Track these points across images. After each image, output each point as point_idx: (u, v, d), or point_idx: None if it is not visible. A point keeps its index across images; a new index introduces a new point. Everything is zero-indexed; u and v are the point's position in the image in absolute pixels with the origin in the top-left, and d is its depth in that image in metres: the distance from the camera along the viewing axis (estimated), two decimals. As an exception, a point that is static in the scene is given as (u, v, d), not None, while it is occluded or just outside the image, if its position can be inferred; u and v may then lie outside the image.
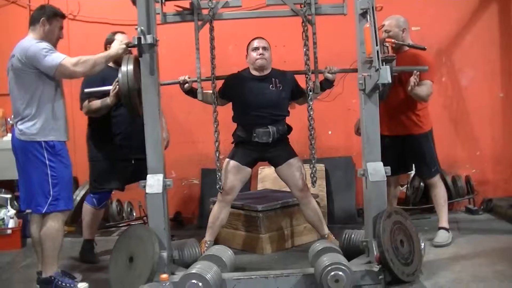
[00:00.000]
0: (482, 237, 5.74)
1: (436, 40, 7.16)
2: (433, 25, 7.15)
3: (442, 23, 7.19)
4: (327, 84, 5.17)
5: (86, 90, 5.28)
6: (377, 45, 4.05)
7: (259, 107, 5.23)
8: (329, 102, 6.80)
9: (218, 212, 5.30)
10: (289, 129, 5.42)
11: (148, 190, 4.49)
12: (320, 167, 6.83)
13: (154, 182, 4.52)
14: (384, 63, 4.09)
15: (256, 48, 5.31)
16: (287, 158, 5.33)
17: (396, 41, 5.27)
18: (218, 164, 5.01)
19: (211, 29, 4.91)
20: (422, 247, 4.71)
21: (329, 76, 5.09)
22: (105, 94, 5.27)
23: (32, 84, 4.35)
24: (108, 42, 5.66)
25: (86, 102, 5.48)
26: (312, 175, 5.03)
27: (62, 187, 4.49)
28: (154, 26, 4.52)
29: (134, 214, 7.09)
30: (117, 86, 5.02)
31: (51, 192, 4.42)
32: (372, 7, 4.24)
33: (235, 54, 6.90)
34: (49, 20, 4.51)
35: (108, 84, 5.20)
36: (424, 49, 5.28)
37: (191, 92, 5.14)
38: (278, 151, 5.34)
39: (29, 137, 4.38)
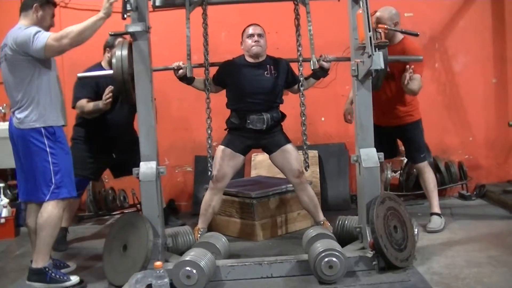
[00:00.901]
0: (475, 223, 5.75)
1: (429, 26, 7.14)
2: (426, 11, 7.13)
3: (435, 9, 7.17)
4: (321, 73, 5.16)
5: (80, 74, 5.23)
6: (370, 31, 4.04)
7: (253, 93, 5.21)
8: (322, 89, 6.80)
9: (210, 199, 5.29)
10: (283, 116, 5.40)
11: (141, 177, 4.50)
12: (314, 153, 6.84)
13: (147, 170, 4.53)
14: (377, 49, 4.09)
15: (251, 35, 5.29)
16: (281, 145, 5.32)
17: (389, 27, 5.25)
18: (209, 152, 4.99)
19: (205, 15, 4.89)
20: (416, 232, 4.73)
21: (324, 64, 5.07)
22: (99, 90, 5.30)
23: (26, 71, 4.28)
24: (108, 46, 5.66)
25: (79, 102, 5.48)
26: (304, 161, 5.04)
27: (65, 174, 4.43)
28: (146, 13, 4.51)
29: (128, 202, 7.07)
30: (110, 94, 5.00)
31: (53, 180, 4.35)
32: (365, -7, 4.22)
33: (228, 41, 6.87)
34: (42, 6, 4.41)
35: (100, 92, 5.18)
36: (417, 35, 5.26)
37: (185, 79, 5.11)
38: (272, 138, 5.32)
39: (29, 125, 4.30)
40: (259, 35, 5.29)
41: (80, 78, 5.22)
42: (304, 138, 4.99)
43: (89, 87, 5.46)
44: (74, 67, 6.88)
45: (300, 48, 4.91)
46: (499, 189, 6.83)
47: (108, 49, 5.67)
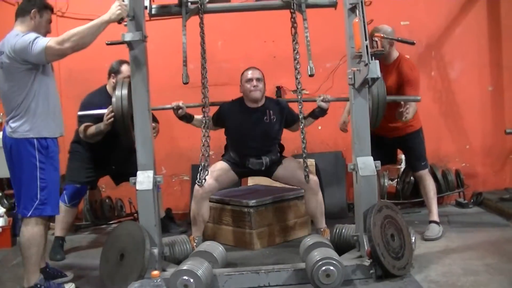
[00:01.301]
0: (472, 231, 5.75)
1: (425, 34, 7.16)
2: (422, 19, 7.15)
3: (431, 16, 7.19)
4: (320, 112, 5.25)
5: (80, 113, 5.27)
6: (366, 40, 4.05)
7: (253, 139, 5.31)
8: (319, 97, 6.81)
9: (197, 208, 5.29)
10: (282, 149, 5.58)
11: (138, 186, 4.49)
12: (311, 162, 6.82)
13: (144, 179, 4.52)
14: (373, 57, 4.09)
15: (250, 80, 5.33)
16: (279, 164, 5.43)
17: (385, 36, 5.26)
18: (206, 160, 4.98)
19: (202, 24, 4.89)
20: (413, 241, 4.73)
21: (323, 104, 5.15)
22: (99, 118, 5.23)
23: (24, 80, 4.18)
24: (113, 71, 5.65)
25: (81, 127, 5.49)
26: (304, 170, 5.06)
27: (51, 190, 4.33)
28: (142, 22, 4.51)
29: (125, 211, 7.06)
30: (112, 114, 5.00)
31: (38, 195, 4.24)
32: (361, 2, 4.22)
33: (224, 50, 6.88)
34: (40, 12, 4.32)
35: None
36: (413, 43, 5.28)
37: (185, 118, 5.19)
38: (270, 167, 5.44)
39: (22, 135, 4.21)
40: (258, 80, 5.34)
41: (80, 116, 5.29)
42: (303, 146, 4.99)
43: (93, 115, 5.44)
44: (71, 76, 6.93)
45: (297, 57, 4.92)
46: (496, 196, 6.84)
47: (113, 74, 5.68)
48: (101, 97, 5.63)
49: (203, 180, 5.02)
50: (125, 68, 5.57)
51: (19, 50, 4.11)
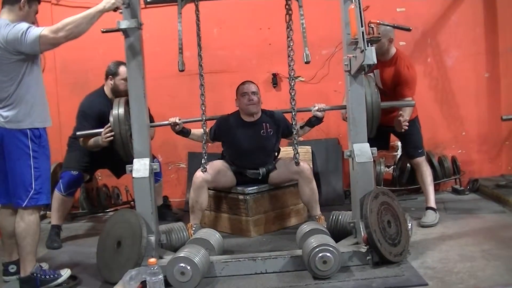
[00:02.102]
0: (469, 217, 5.76)
1: (421, 21, 7.14)
2: (418, 6, 7.13)
3: (427, 3, 7.17)
4: (316, 121, 5.26)
5: (78, 133, 5.25)
6: (362, 26, 4.03)
7: (250, 153, 5.42)
8: (315, 84, 6.82)
9: (196, 196, 5.34)
10: (277, 153, 5.68)
11: (134, 174, 4.49)
12: (307, 149, 6.84)
13: (140, 166, 4.52)
14: (369, 44, 4.08)
15: (245, 93, 5.37)
16: (274, 167, 5.55)
17: (381, 22, 5.25)
18: (205, 148, 5.01)
19: (197, 11, 4.88)
20: (409, 227, 4.74)
21: (318, 114, 5.14)
22: (101, 120, 5.25)
23: (16, 70, 4.14)
24: (111, 73, 5.63)
25: (81, 141, 5.50)
26: (294, 157, 5.16)
27: (44, 180, 4.32)
28: (138, 10, 4.49)
29: (121, 199, 7.06)
30: (111, 134, 4.97)
31: (33, 185, 4.21)
32: (357, -12, 4.22)
33: (220, 38, 6.87)
34: (29, 3, 4.26)
35: (103, 122, 5.15)
36: (409, 29, 5.28)
37: (182, 132, 5.26)
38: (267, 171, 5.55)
39: (15, 125, 4.17)
40: (253, 93, 5.40)
41: (78, 136, 5.34)
42: (294, 132, 5.01)
43: (91, 120, 5.45)
44: (66, 65, 6.91)
45: (291, 44, 4.91)
46: (492, 183, 6.85)
47: (110, 76, 5.67)
48: (100, 101, 5.65)
49: (205, 167, 5.16)
50: (122, 70, 5.55)
51: (11, 40, 4.06)
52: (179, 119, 5.13)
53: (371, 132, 4.85)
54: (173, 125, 5.15)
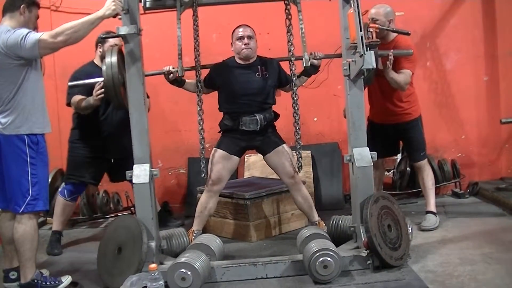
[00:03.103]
0: (469, 220, 5.76)
1: (420, 24, 7.15)
2: (417, 10, 7.14)
3: (426, 7, 7.19)
4: (312, 70, 5.17)
5: (70, 83, 5.25)
6: (361, 31, 4.04)
7: (245, 95, 5.22)
8: (315, 89, 6.82)
9: (206, 202, 5.28)
10: (276, 116, 5.42)
11: (135, 180, 4.49)
12: (307, 153, 6.84)
13: (140, 172, 4.52)
14: (368, 48, 4.09)
15: (241, 38, 5.27)
16: (275, 146, 5.33)
17: (380, 26, 5.26)
18: (203, 153, 5.01)
19: (195, 17, 4.89)
20: (410, 231, 4.74)
21: (314, 62, 5.08)
22: (90, 88, 5.23)
23: (15, 75, 4.16)
24: (100, 41, 5.64)
25: (73, 98, 5.46)
26: (297, 161, 5.09)
27: (42, 186, 4.32)
28: (137, 16, 4.50)
29: (122, 204, 7.06)
30: (101, 90, 4.99)
31: (30, 191, 4.23)
32: (356, -7, 4.23)
33: (219, 43, 6.87)
34: (29, 8, 4.29)
35: (94, 88, 5.16)
36: (408, 34, 5.27)
37: (176, 81, 5.12)
38: (265, 139, 5.33)
39: (14, 131, 4.18)
40: (249, 37, 5.28)
41: (71, 86, 5.26)
42: (298, 137, 5.02)
43: (82, 87, 5.41)
44: (65, 71, 6.88)
45: (292, 48, 4.92)
46: (492, 186, 6.85)
47: (100, 44, 5.65)
48: (90, 67, 5.63)
49: (205, 175, 5.15)
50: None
51: (11, 45, 4.08)
52: (173, 68, 5.04)
53: (368, 81, 4.91)
54: (167, 73, 5.07)
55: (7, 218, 4.45)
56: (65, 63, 6.79)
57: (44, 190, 4.36)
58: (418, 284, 4.03)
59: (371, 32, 4.92)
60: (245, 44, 5.25)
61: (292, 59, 4.99)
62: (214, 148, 5.31)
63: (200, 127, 5.00)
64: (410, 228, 4.76)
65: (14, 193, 4.25)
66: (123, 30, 4.42)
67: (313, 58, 5.07)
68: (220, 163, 5.23)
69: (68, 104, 5.58)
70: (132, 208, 6.62)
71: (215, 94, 5.38)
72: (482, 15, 7.24)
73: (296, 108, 5.01)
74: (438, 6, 7.22)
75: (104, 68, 4.55)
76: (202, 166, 5.07)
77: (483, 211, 6.19)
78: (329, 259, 4.09)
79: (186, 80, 5.19)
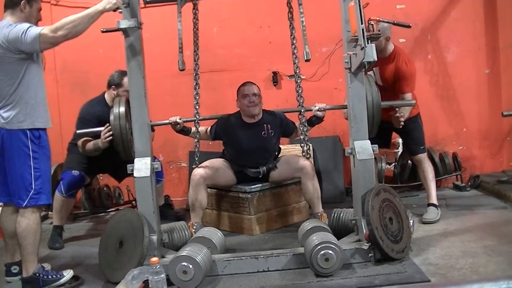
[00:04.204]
0: (470, 213, 5.76)
1: (421, 17, 7.14)
2: (417, 3, 7.13)
3: (427, 0, 7.17)
4: (316, 121, 5.31)
5: (78, 131, 5.24)
6: (362, 23, 4.03)
7: (251, 153, 5.40)
8: (316, 82, 6.82)
9: (195, 194, 5.29)
10: (279, 152, 5.65)
11: (136, 174, 4.49)
12: (308, 146, 6.82)
13: (141, 166, 4.52)
14: (369, 41, 4.08)
15: (247, 95, 5.35)
16: (276, 167, 5.53)
17: (381, 19, 5.25)
18: (197, 145, 5.04)
19: (195, 10, 4.89)
20: (411, 224, 4.73)
21: (319, 113, 5.18)
22: (98, 135, 5.24)
23: (16, 69, 4.15)
24: (114, 83, 5.62)
25: (79, 142, 5.49)
26: (307, 152, 5.23)
27: (45, 180, 4.32)
28: (138, 9, 4.49)
29: (123, 198, 7.06)
30: (110, 133, 4.98)
31: (33, 185, 4.23)
32: (357, -14, 4.22)
33: (220, 37, 6.87)
34: (30, 3, 4.28)
35: (103, 125, 5.16)
36: (409, 26, 5.28)
37: (183, 131, 5.26)
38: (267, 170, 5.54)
39: (16, 125, 4.18)
40: (254, 95, 5.37)
41: (78, 135, 5.33)
42: (304, 129, 5.03)
43: (91, 125, 5.36)
44: (66, 65, 6.91)
45: (294, 41, 4.92)
46: (493, 179, 6.85)
47: (113, 86, 5.65)
48: (100, 108, 5.62)
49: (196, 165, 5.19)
50: (126, 82, 5.44)
51: (12, 39, 4.08)
52: (180, 118, 5.13)
53: (372, 132, 4.84)
54: (174, 124, 5.15)
55: (10, 212, 4.46)
56: (66, 57, 6.79)
57: (47, 184, 4.36)
58: (419, 276, 4.02)
59: (372, 24, 4.91)
60: (250, 102, 5.34)
61: (302, 110, 5.05)
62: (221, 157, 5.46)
63: (196, 130, 5.02)
64: (411, 221, 4.76)
65: (17, 187, 4.25)
66: (124, 24, 4.40)
67: (318, 110, 5.18)
68: (218, 162, 5.38)
69: (74, 142, 5.65)
70: (134, 202, 6.61)
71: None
72: (483, 8, 7.22)
73: (301, 101, 5.03)
74: (438, -2, 7.22)
75: (112, 118, 4.63)
76: (196, 158, 5.12)
77: (484, 204, 6.18)
78: (330, 252, 4.09)
79: (193, 129, 5.26)
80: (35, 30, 4.08)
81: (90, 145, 5.42)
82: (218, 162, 5.46)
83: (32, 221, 4.26)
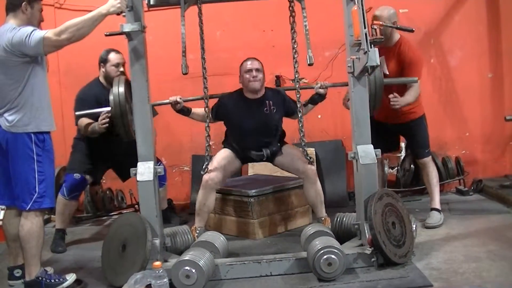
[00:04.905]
0: (473, 218, 5.75)
1: (424, 21, 7.15)
2: (420, 7, 7.13)
3: (430, 4, 7.18)
4: (319, 98, 5.27)
5: (77, 113, 5.25)
6: (365, 28, 4.03)
7: (254, 132, 5.31)
8: (319, 86, 6.81)
9: (204, 199, 5.26)
10: (283, 136, 5.58)
11: (139, 177, 4.49)
12: (311, 151, 6.82)
13: (144, 170, 4.52)
14: (372, 45, 4.08)
15: (249, 71, 5.31)
16: (280, 152, 5.41)
17: (384, 24, 5.25)
18: (208, 150, 5.03)
19: (200, 13, 4.89)
20: (414, 228, 4.73)
21: (321, 91, 5.15)
22: (97, 116, 5.26)
23: (20, 72, 4.16)
24: (102, 61, 5.65)
25: (80, 122, 5.50)
26: (306, 156, 5.19)
27: (48, 183, 4.33)
28: (141, 13, 4.50)
29: (126, 202, 7.06)
30: (106, 120, 5.00)
31: (36, 189, 4.23)
32: (360, -10, 4.22)
33: (223, 40, 6.88)
34: (31, 4, 4.28)
35: (100, 106, 5.17)
36: (412, 31, 5.26)
37: (182, 111, 5.22)
38: (271, 155, 5.44)
39: (21, 129, 4.18)
40: (257, 70, 5.32)
41: (78, 116, 5.29)
42: (302, 134, 5.03)
43: (89, 106, 5.39)
44: (69, 68, 6.92)
45: (295, 46, 4.92)
46: (496, 183, 6.85)
47: (102, 64, 5.68)
48: (97, 89, 5.65)
49: (206, 169, 5.11)
50: (112, 56, 5.60)
51: (16, 43, 4.08)
52: (180, 98, 5.12)
53: (374, 108, 4.89)
54: (174, 104, 5.13)
55: (13, 215, 4.46)
56: (69, 59, 6.80)
57: (51, 187, 4.37)
58: (422, 281, 4.03)
59: (375, 29, 4.91)
60: (253, 77, 5.30)
61: (297, 85, 5.00)
62: (223, 147, 5.36)
63: (207, 134, 5.00)
64: (414, 226, 4.76)
65: (20, 191, 4.25)
66: (127, 27, 4.41)
67: (320, 88, 5.15)
68: (223, 160, 5.27)
69: (77, 125, 5.64)
70: (136, 206, 6.61)
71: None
72: (486, 12, 7.23)
73: (302, 135, 5.02)
74: (442, 3, 7.21)
75: (111, 98, 4.59)
76: (206, 161, 5.08)
77: (487, 208, 6.18)
78: (333, 256, 4.08)
79: (192, 110, 5.26)
80: (39, 34, 4.08)
81: (88, 127, 5.43)
82: (223, 158, 5.35)
83: (35, 225, 4.26)
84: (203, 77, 4.92)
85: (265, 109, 5.34)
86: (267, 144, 5.38)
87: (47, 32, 4.09)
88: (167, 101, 5.11)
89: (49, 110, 4.38)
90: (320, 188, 5.40)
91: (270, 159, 5.46)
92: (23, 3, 4.25)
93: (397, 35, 5.49)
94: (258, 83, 5.31)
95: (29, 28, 4.13)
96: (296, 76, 4.97)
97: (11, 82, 4.18)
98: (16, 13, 4.27)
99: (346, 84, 4.88)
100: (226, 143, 5.51)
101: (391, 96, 5.18)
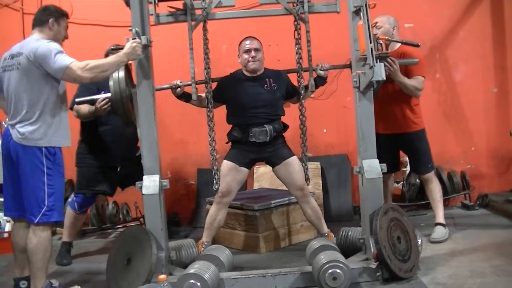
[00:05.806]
0: (479, 232, 5.74)
1: (429, 36, 7.17)
2: (426, 22, 7.16)
3: (435, 19, 7.20)
4: (320, 81, 5.18)
5: (77, 99, 5.26)
6: (371, 42, 4.05)
7: (254, 107, 5.23)
8: (324, 100, 6.83)
9: (216, 214, 5.27)
10: (286, 127, 5.43)
11: (144, 191, 4.49)
12: (316, 165, 6.84)
13: (150, 183, 4.52)
14: (378, 60, 4.10)
15: (248, 50, 5.29)
16: (284, 158, 5.31)
17: (390, 38, 5.27)
18: (215, 166, 5.04)
19: (205, 30, 4.92)
20: (419, 243, 4.72)
21: (321, 73, 5.10)
22: (99, 93, 5.26)
23: (39, 84, 4.20)
24: (109, 53, 5.66)
25: (77, 106, 5.47)
26: (305, 172, 5.11)
27: (58, 197, 4.36)
28: (147, 27, 4.52)
29: (131, 215, 7.07)
30: (108, 105, 5.02)
31: (45, 202, 4.26)
32: (365, 5, 4.24)
33: (229, 54, 6.89)
34: (57, 21, 4.40)
35: (101, 93, 5.19)
36: (417, 45, 5.27)
37: (183, 97, 5.16)
38: (275, 151, 5.33)
39: (33, 142, 4.23)
40: (256, 50, 5.30)
41: (77, 103, 5.28)
42: (304, 149, 5.04)
43: (90, 92, 5.36)
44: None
45: (300, 61, 4.94)
46: (502, 198, 6.82)
47: (110, 55, 5.67)
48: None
49: (218, 185, 5.16)
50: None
51: (40, 55, 4.15)
52: (181, 82, 5.10)
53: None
54: (174, 88, 5.10)
55: (21, 227, 4.49)
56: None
57: (60, 201, 4.40)
58: (427, 296, 4.03)
59: (381, 44, 4.93)
60: (252, 57, 5.27)
61: (300, 71, 5.01)
62: (224, 160, 5.31)
63: (211, 139, 5.02)
64: (419, 240, 4.75)
65: (30, 203, 4.28)
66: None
67: (320, 69, 5.08)
68: (229, 175, 5.23)
69: (71, 109, 5.59)
70: (141, 219, 6.62)
71: (224, 107, 5.39)
72: (492, 27, 7.25)
73: (304, 120, 5.06)
74: (447, 17, 7.23)
75: (111, 83, 4.59)
76: (215, 179, 5.11)
77: (492, 223, 6.17)
78: (338, 270, 4.08)
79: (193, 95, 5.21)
80: (65, 60, 4.16)
81: (85, 108, 5.40)
82: (227, 171, 5.26)
83: (43, 238, 4.28)
84: (207, 92, 4.94)
85: (265, 86, 5.31)
86: (269, 121, 5.27)
87: (73, 63, 4.15)
88: (168, 85, 5.11)
89: (65, 126, 4.44)
90: (315, 205, 5.39)
91: (273, 159, 5.37)
92: (50, 20, 4.37)
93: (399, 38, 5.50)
94: (257, 63, 5.29)
95: (57, 47, 4.21)
96: (302, 92, 5.00)
97: (28, 93, 4.22)
98: (43, 28, 4.38)
99: (347, 66, 4.91)
100: (228, 153, 5.46)
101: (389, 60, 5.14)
